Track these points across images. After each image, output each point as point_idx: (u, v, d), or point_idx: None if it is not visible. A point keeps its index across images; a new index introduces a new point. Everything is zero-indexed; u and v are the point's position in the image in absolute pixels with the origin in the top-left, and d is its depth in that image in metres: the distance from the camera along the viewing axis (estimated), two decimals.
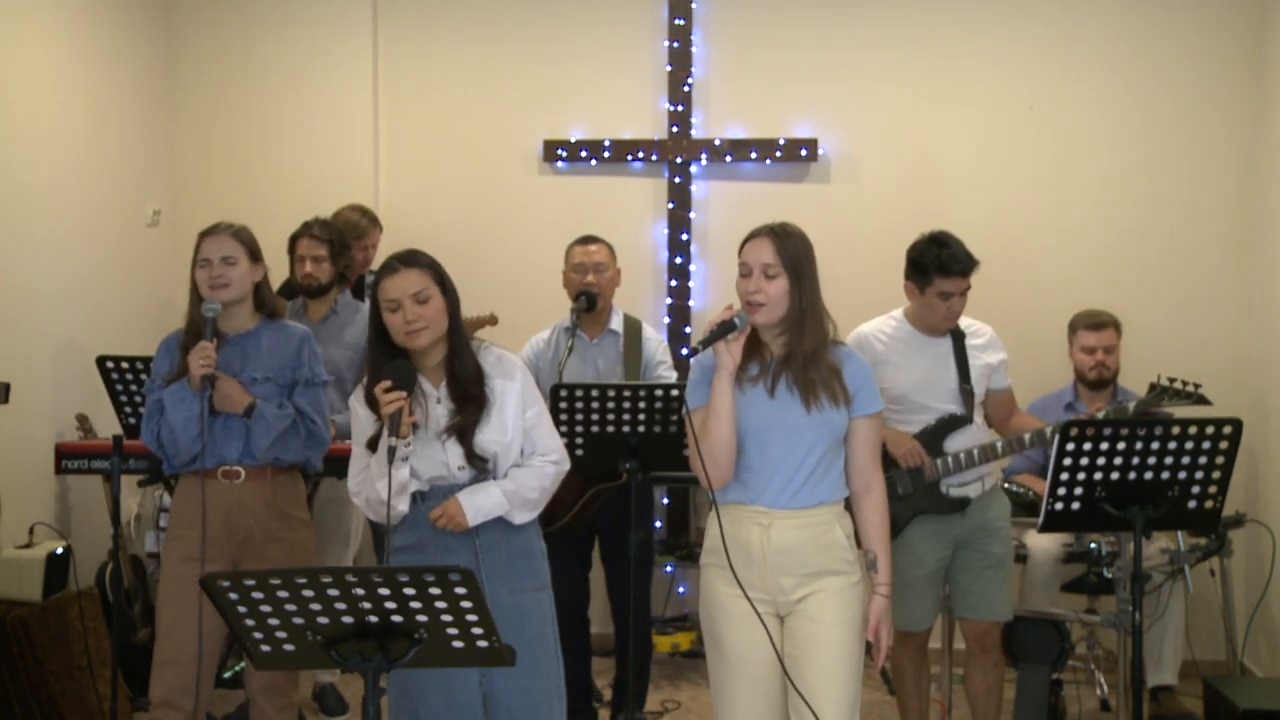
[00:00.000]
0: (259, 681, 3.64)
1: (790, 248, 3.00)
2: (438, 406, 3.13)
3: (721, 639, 3.06)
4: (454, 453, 3.11)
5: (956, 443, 3.94)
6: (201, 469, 3.54)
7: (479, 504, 3.10)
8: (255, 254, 3.66)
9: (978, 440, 3.96)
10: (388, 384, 3.02)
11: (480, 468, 3.12)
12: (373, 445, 3.09)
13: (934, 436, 3.95)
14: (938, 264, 3.84)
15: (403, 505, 3.10)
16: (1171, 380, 4.09)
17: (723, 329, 2.95)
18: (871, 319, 4.07)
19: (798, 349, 3.00)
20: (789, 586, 3.01)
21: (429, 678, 3.04)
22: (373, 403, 3.09)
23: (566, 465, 3.27)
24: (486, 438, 3.12)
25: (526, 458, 3.20)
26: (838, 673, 2.97)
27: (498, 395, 3.14)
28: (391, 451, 2.97)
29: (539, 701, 3.17)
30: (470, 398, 3.11)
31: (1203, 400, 4.06)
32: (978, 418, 4.01)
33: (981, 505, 3.99)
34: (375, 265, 5.35)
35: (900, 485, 3.93)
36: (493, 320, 4.94)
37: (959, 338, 4.00)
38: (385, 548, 3.16)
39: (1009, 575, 4.07)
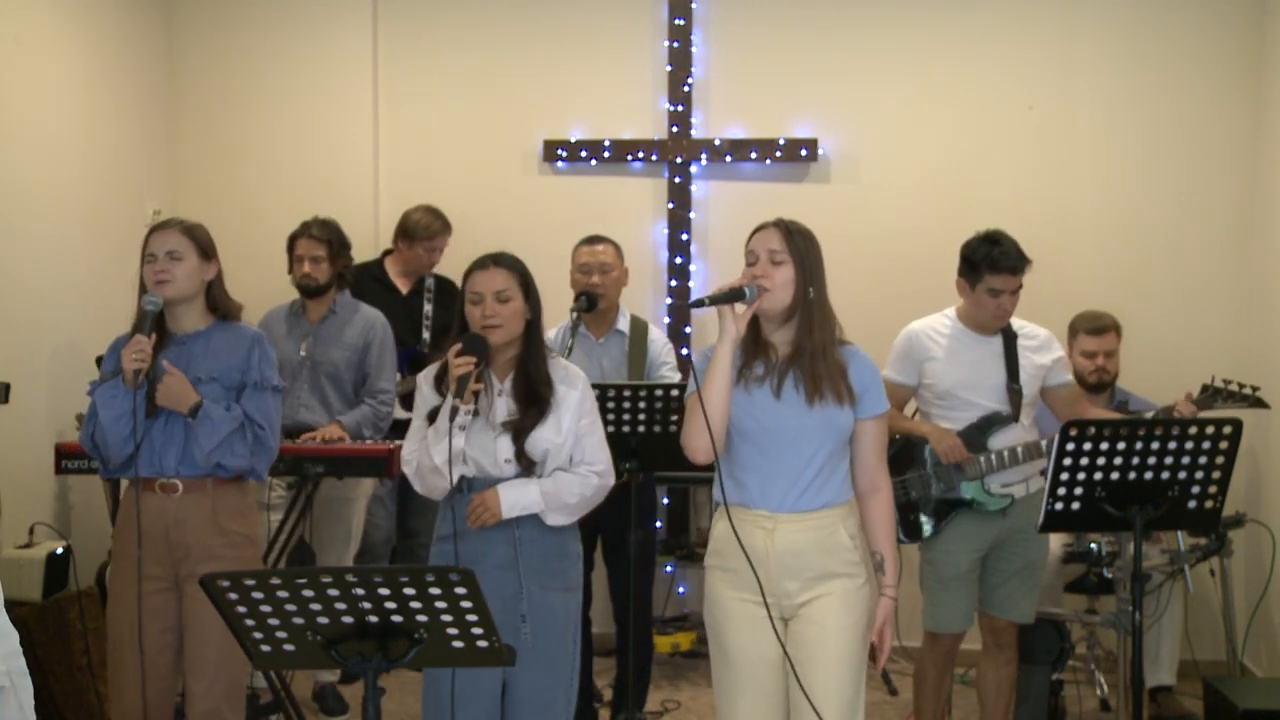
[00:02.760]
0: (198, 709, 3.41)
1: (798, 241, 3.00)
2: (499, 399, 3.23)
3: (725, 643, 3.04)
4: (504, 447, 3.20)
5: (1000, 441, 3.94)
6: (136, 476, 3.34)
7: (515, 499, 3.18)
8: (207, 252, 3.47)
9: (1022, 440, 3.95)
10: (459, 347, 3.13)
11: (527, 467, 3.21)
12: (432, 418, 3.19)
13: (977, 433, 3.94)
14: (988, 260, 3.85)
15: (454, 475, 3.15)
16: (1226, 382, 4.04)
17: (731, 294, 2.92)
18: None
19: (805, 343, 2.98)
20: (793, 590, 2.98)
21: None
22: (439, 382, 3.23)
23: (611, 480, 3.33)
24: (540, 435, 3.20)
25: (574, 465, 3.27)
26: (840, 677, 2.94)
27: (559, 400, 3.24)
28: (454, 411, 3.08)
29: (555, 698, 3.24)
30: (536, 400, 3.22)
31: (1260, 403, 4.00)
32: (1025, 419, 3.99)
33: (1024, 508, 3.95)
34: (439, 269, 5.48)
35: (914, 488, 3.92)
36: None
37: (1011, 338, 3.99)
38: (450, 512, 3.20)
39: (1039, 580, 4.07)
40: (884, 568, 3.04)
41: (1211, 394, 4.07)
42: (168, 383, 3.34)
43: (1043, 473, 4.01)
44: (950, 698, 4.69)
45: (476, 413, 3.20)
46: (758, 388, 3.00)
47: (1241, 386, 4.00)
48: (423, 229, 5.37)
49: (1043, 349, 4.04)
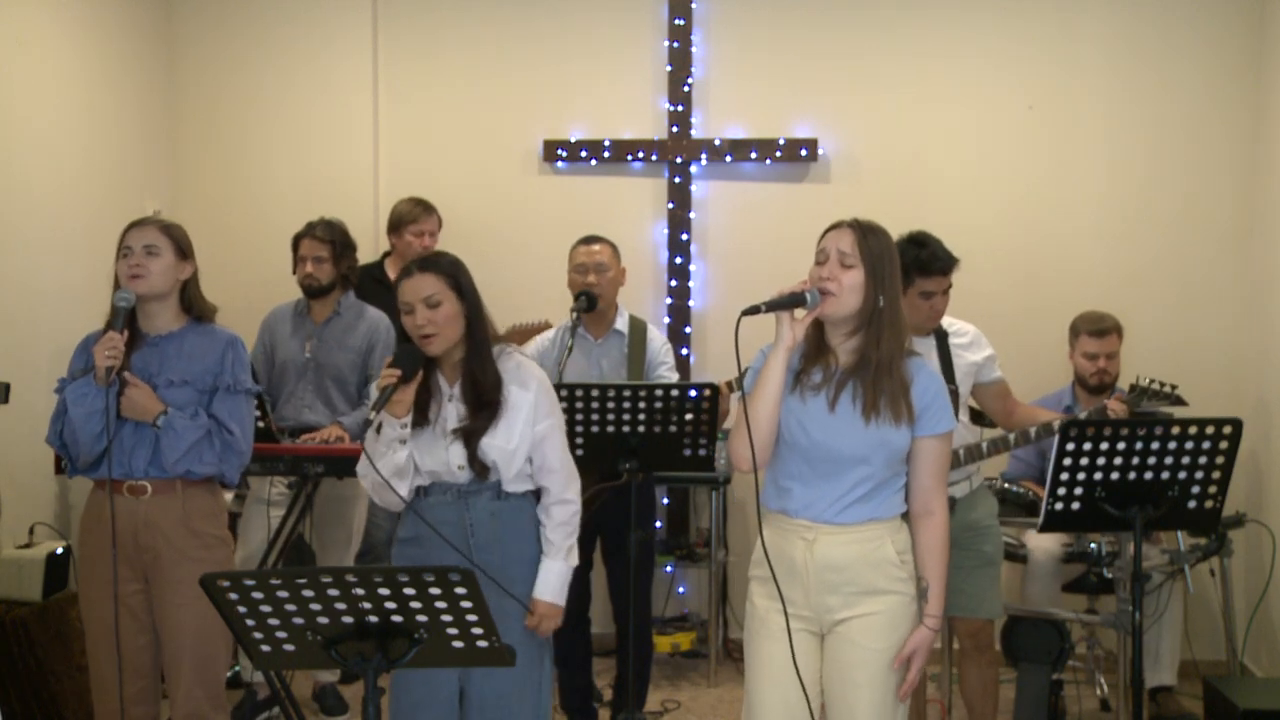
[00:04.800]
0: (180, 713, 3.40)
1: (872, 243, 2.83)
2: (449, 404, 3.15)
3: (756, 654, 2.90)
4: (457, 453, 3.12)
5: None
6: (108, 477, 3.30)
7: (553, 585, 3.17)
8: (184, 251, 3.42)
9: (963, 440, 3.94)
10: (389, 360, 3.05)
11: (481, 472, 3.12)
12: (376, 427, 3.11)
13: None
14: (918, 264, 3.83)
15: (402, 490, 3.11)
16: (1151, 381, 4.12)
17: (791, 299, 2.77)
18: None
19: (870, 355, 2.80)
20: (835, 605, 2.83)
21: (414, 670, 2.98)
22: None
23: (577, 502, 3.24)
24: (491, 443, 3.11)
25: (538, 471, 3.18)
26: (877, 701, 2.81)
27: (510, 403, 3.13)
28: (368, 424, 3.03)
29: (514, 706, 3.15)
30: (485, 404, 3.11)
31: (1179, 401, 4.11)
32: (964, 417, 4.00)
33: (968, 505, 3.96)
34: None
35: None
36: (545, 325, 4.95)
37: (942, 338, 4.00)
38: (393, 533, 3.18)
39: (999, 573, 4.06)
40: (928, 595, 2.86)
41: (1139, 393, 4.14)
42: (130, 394, 3.30)
43: (979, 470, 4.04)
44: (950, 697, 4.69)
45: (428, 421, 3.11)
46: (813, 397, 2.82)
47: (1163, 385, 4.11)
48: (406, 214, 5.37)
49: (973, 346, 4.03)
